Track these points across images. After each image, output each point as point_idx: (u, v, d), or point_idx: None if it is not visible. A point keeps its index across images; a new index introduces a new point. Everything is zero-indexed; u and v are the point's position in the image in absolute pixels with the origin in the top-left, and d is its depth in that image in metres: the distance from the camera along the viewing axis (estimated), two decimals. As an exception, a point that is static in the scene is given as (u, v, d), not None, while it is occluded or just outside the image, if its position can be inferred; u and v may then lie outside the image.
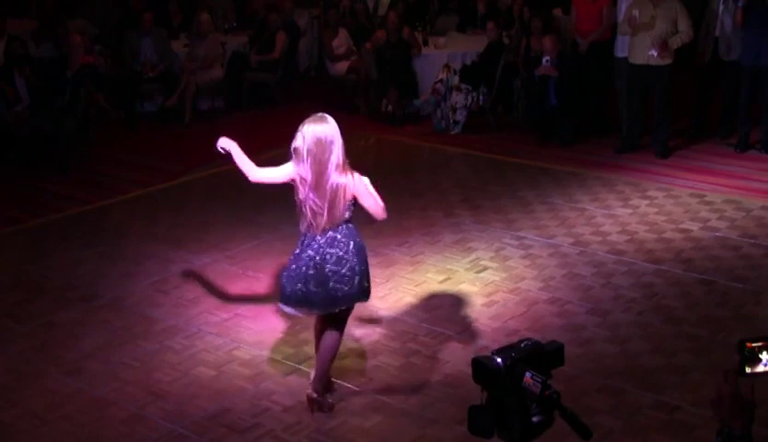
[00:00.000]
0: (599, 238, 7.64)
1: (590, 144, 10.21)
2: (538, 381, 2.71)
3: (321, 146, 4.88)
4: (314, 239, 4.98)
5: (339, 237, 4.97)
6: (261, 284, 6.95)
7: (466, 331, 6.16)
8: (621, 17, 9.70)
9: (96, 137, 10.57)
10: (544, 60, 10.10)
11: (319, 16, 13.56)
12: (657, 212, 8.21)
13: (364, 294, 5.11)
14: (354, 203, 4.96)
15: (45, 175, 9.43)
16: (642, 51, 9.39)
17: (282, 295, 5.14)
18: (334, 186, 4.86)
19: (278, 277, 6.97)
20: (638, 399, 5.35)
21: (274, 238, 7.75)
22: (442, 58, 11.40)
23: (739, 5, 9.49)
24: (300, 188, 4.97)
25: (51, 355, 5.96)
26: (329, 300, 5.01)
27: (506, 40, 11.34)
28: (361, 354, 5.88)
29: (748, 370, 2.63)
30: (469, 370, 2.82)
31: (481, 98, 10.85)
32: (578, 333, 6.09)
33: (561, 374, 2.90)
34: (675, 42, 9.32)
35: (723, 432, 2.60)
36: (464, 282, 6.90)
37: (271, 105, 11.97)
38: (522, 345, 2.86)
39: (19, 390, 5.55)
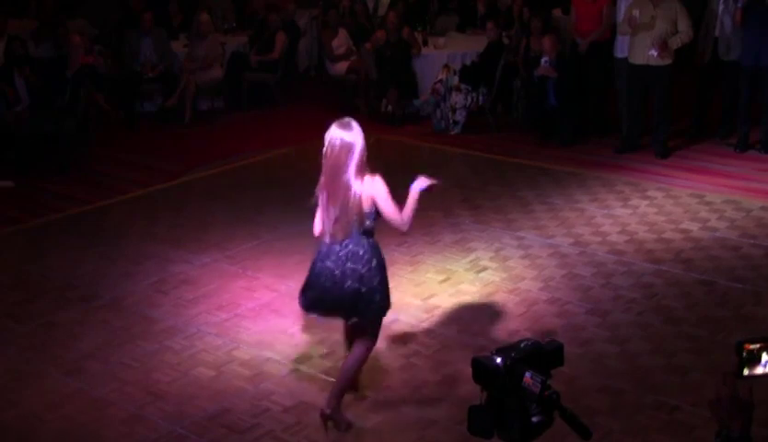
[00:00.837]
0: (599, 239, 7.65)
1: (590, 144, 10.20)
2: (537, 381, 2.71)
3: (339, 150, 4.69)
4: (332, 250, 4.82)
5: (361, 252, 4.79)
6: (261, 284, 6.95)
7: (466, 331, 6.16)
8: (620, 17, 9.70)
9: (96, 137, 10.56)
10: (543, 60, 10.10)
11: (318, 16, 13.56)
12: (656, 212, 8.21)
13: (383, 310, 4.96)
14: (377, 214, 4.78)
15: (45, 175, 9.43)
16: (642, 51, 9.39)
17: (302, 301, 5.05)
18: (349, 192, 4.70)
19: (280, 278, 6.99)
20: (638, 399, 5.35)
21: (274, 238, 7.76)
22: (442, 58, 11.40)
23: (739, 5, 9.49)
24: (319, 197, 4.84)
25: (50, 355, 5.96)
26: (343, 314, 4.96)
27: (505, 41, 11.34)
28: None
29: (746, 372, 2.63)
30: (469, 370, 2.83)
31: (480, 98, 10.85)
32: (578, 333, 6.09)
33: (560, 374, 2.90)
34: (675, 42, 9.32)
35: (722, 434, 2.60)
36: (464, 282, 6.90)
37: (270, 105, 11.97)
38: (522, 345, 2.86)
39: (19, 390, 5.55)
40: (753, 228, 7.81)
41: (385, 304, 4.94)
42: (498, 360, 2.77)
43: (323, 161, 4.75)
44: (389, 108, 11.20)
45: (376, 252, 4.86)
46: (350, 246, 4.79)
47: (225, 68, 11.85)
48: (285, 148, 10.14)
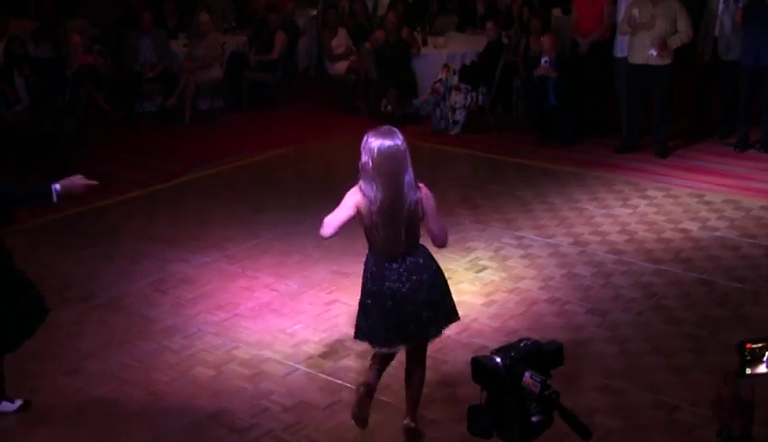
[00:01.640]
0: (599, 238, 7.64)
1: (590, 144, 10.19)
2: (537, 381, 2.71)
3: (395, 164, 4.36)
4: (391, 269, 4.52)
5: (421, 261, 4.57)
6: (261, 283, 6.94)
7: (465, 330, 6.15)
8: (620, 16, 9.70)
9: (96, 137, 10.56)
10: (543, 60, 10.10)
11: (318, 15, 13.56)
12: (656, 211, 8.21)
13: (454, 313, 4.78)
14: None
15: (45, 175, 9.40)
16: (641, 50, 9.38)
17: (363, 332, 4.71)
18: (412, 207, 4.42)
19: (279, 278, 6.98)
20: (638, 399, 5.35)
21: (274, 238, 7.76)
22: (441, 58, 11.40)
23: (740, 5, 9.49)
24: (367, 213, 4.45)
25: (50, 355, 5.95)
26: (418, 331, 4.63)
27: (505, 40, 11.33)
28: (361, 353, 5.86)
29: (748, 371, 2.63)
30: (469, 370, 2.82)
31: (480, 97, 10.84)
32: (578, 333, 6.08)
33: (560, 374, 2.89)
34: (674, 42, 9.31)
35: (723, 433, 2.60)
36: (463, 281, 6.89)
37: (270, 105, 11.97)
38: (521, 345, 2.86)
39: (19, 390, 5.54)
40: (753, 228, 7.80)
41: (454, 303, 4.77)
42: (498, 360, 2.77)
43: (375, 175, 4.37)
44: (389, 108, 11.19)
45: (430, 255, 4.66)
46: (408, 258, 4.54)
47: (224, 68, 11.84)
48: (284, 148, 10.14)
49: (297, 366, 5.79)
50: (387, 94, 11.19)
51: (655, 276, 6.93)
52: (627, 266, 7.10)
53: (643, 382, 5.51)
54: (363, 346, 5.94)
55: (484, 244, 7.55)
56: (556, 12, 11.78)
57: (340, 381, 5.53)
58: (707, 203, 8.39)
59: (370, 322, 4.65)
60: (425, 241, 4.71)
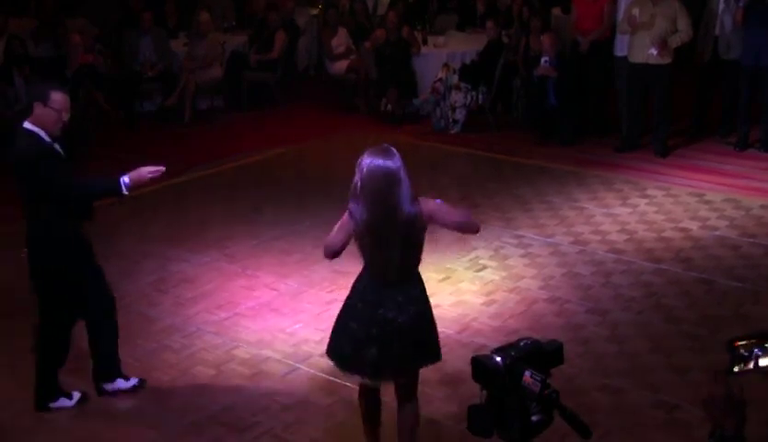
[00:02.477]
0: (599, 237, 7.64)
1: (590, 143, 10.19)
2: (537, 380, 2.71)
3: (382, 183, 4.11)
4: (383, 294, 4.23)
5: (417, 293, 4.30)
6: (261, 282, 6.94)
7: (465, 330, 6.16)
8: (620, 15, 9.70)
9: (96, 137, 10.56)
10: (543, 60, 10.09)
11: (318, 15, 13.55)
12: (656, 211, 8.21)
13: (437, 355, 4.49)
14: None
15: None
16: (641, 50, 9.38)
17: (335, 354, 4.44)
18: (409, 222, 4.15)
19: (279, 277, 6.98)
20: (638, 398, 5.35)
21: (273, 237, 7.76)
22: (441, 57, 11.40)
23: (740, 4, 9.49)
24: (357, 233, 4.22)
25: (50, 355, 5.95)
26: (402, 364, 4.33)
27: (505, 40, 11.33)
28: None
29: (736, 369, 2.62)
30: (468, 369, 2.83)
31: (480, 97, 10.84)
32: (578, 332, 6.09)
33: (560, 373, 2.90)
34: (674, 41, 9.31)
35: (716, 433, 2.59)
36: (463, 281, 6.90)
37: (270, 104, 11.96)
38: (521, 344, 2.86)
39: (19, 390, 5.54)
40: (753, 227, 7.81)
41: (439, 344, 4.50)
42: (498, 359, 2.78)
43: (361, 194, 4.15)
44: (389, 107, 11.19)
45: (423, 285, 4.38)
46: (405, 287, 4.26)
47: (224, 67, 11.84)
48: (284, 147, 10.14)
49: (298, 365, 5.79)
50: (387, 93, 11.19)
51: (655, 275, 6.93)
52: (627, 265, 7.10)
53: (643, 381, 5.51)
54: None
55: (484, 243, 7.55)
56: (556, 11, 11.78)
57: (340, 380, 5.53)
58: (707, 202, 8.39)
59: (344, 346, 4.37)
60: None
